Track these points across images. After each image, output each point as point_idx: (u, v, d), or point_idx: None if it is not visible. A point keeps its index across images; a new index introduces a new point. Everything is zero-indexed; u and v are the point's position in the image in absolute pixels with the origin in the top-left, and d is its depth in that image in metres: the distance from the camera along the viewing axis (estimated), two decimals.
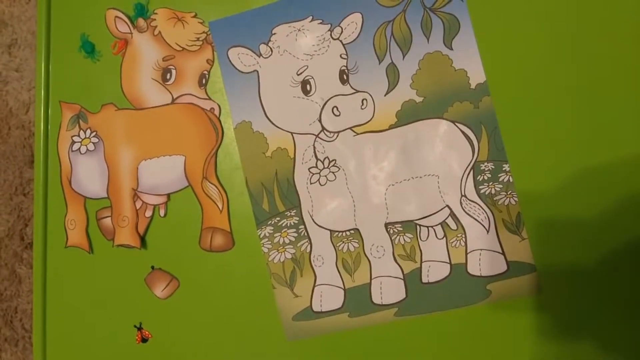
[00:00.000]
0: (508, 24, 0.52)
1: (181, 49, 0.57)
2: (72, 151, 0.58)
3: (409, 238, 0.52)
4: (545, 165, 0.50)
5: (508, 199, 0.50)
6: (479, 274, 0.51)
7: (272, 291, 0.54)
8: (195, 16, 0.57)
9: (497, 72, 0.51)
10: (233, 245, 0.55)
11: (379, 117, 0.52)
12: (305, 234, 0.53)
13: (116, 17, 0.57)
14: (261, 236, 0.54)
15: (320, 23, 0.54)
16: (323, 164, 0.53)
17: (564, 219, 0.50)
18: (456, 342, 0.51)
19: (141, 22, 0.57)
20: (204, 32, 0.56)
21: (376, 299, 0.52)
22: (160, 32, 0.57)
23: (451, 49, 0.52)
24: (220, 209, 0.55)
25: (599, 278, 0.49)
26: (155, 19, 0.57)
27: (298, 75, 0.53)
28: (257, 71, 0.55)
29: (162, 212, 0.56)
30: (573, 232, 0.50)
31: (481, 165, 0.51)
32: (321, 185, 0.53)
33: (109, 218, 0.57)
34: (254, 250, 0.54)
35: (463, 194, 0.51)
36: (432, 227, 0.52)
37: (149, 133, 0.57)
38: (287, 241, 0.54)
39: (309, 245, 0.53)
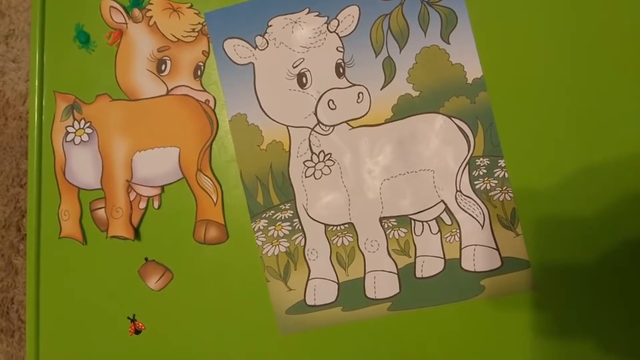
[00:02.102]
0: (505, 18, 0.51)
1: (176, 40, 0.55)
2: (66, 142, 0.57)
3: (404, 233, 0.51)
4: (541, 161, 0.50)
5: (503, 194, 0.50)
6: (473, 269, 0.50)
7: (265, 284, 0.53)
8: (190, 7, 0.56)
9: (494, 67, 0.50)
10: (227, 237, 0.54)
11: (375, 111, 0.52)
12: (300, 227, 0.53)
13: (111, 7, 0.56)
14: (255, 229, 0.53)
15: (317, 15, 0.53)
16: (318, 157, 0.52)
17: (559, 215, 0.49)
18: (449, 337, 0.50)
19: (136, 12, 0.56)
20: (199, 23, 0.55)
21: (370, 293, 0.51)
22: (155, 23, 0.56)
23: (448, 43, 0.51)
24: (215, 201, 0.54)
25: (594, 274, 0.48)
26: (150, 10, 0.56)
27: (294, 67, 0.52)
28: (253, 63, 0.54)
29: (156, 204, 0.55)
30: (568, 228, 0.49)
31: (477, 160, 0.50)
32: (316, 178, 0.52)
33: (103, 209, 0.56)
34: (248, 243, 0.53)
35: (458, 189, 0.50)
36: (426, 222, 0.51)
37: (143, 124, 0.56)
38: (281, 234, 0.53)
39: (303, 239, 0.53)
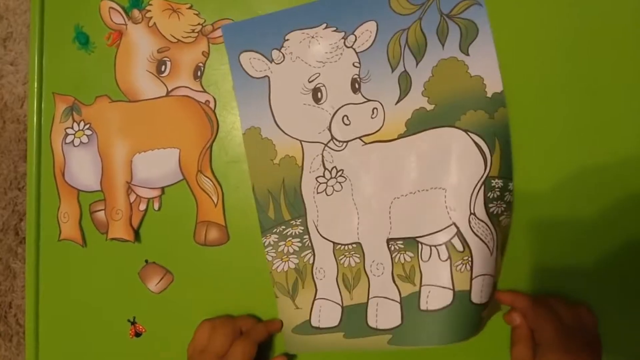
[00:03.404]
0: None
1: (176, 40, 0.54)
2: (66, 143, 0.56)
3: (410, 257, 0.48)
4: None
5: (508, 219, 0.47)
6: (480, 302, 0.46)
7: (268, 286, 0.51)
8: (190, 7, 0.54)
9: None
10: (228, 239, 0.53)
11: (388, 125, 0.49)
12: (310, 244, 0.51)
13: (110, 8, 0.55)
14: (266, 244, 0.51)
15: (334, 31, 0.50)
16: (330, 173, 0.50)
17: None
18: None
19: (136, 13, 0.55)
20: (199, 24, 0.54)
21: (371, 322, 0.49)
22: (155, 24, 0.54)
23: (467, 54, 0.48)
24: (215, 202, 0.53)
25: (594, 278, 0.47)
26: (150, 10, 0.54)
27: (309, 82, 0.50)
28: (268, 77, 0.52)
29: (156, 206, 0.54)
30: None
31: (492, 181, 0.47)
32: (327, 195, 0.50)
33: (103, 211, 0.55)
34: (249, 244, 0.52)
35: (472, 211, 0.46)
36: (435, 246, 0.48)
37: (143, 126, 0.54)
38: (291, 250, 0.51)
39: (312, 257, 0.51)
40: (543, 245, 0.48)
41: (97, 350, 0.55)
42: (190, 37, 0.54)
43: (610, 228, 0.47)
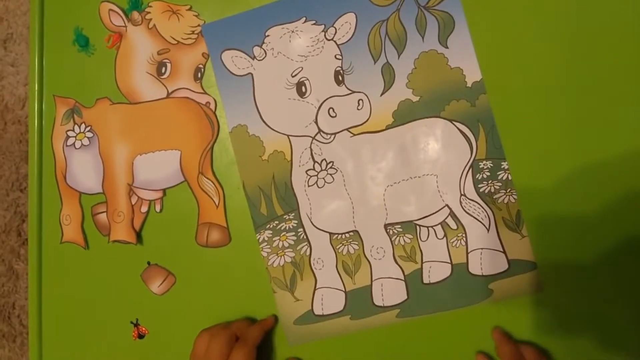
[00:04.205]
0: (503, 21, 0.50)
1: (176, 42, 0.55)
2: (67, 146, 0.57)
3: (409, 239, 0.51)
4: (544, 162, 0.49)
5: (507, 196, 0.49)
6: (481, 273, 0.50)
7: (269, 287, 0.52)
8: (190, 9, 0.55)
9: (493, 70, 0.50)
10: (230, 240, 0.54)
11: (376, 117, 0.51)
12: (305, 237, 0.52)
13: (110, 10, 0.56)
14: (260, 240, 0.53)
15: (314, 24, 0.52)
16: (320, 166, 0.52)
17: (564, 216, 0.49)
18: (460, 342, 0.50)
19: (135, 15, 0.55)
20: (199, 25, 0.55)
21: (377, 301, 0.51)
22: (155, 26, 0.55)
23: (446, 47, 0.51)
24: (217, 204, 0.53)
25: (600, 274, 0.48)
26: (149, 12, 0.56)
27: (293, 77, 0.52)
28: (252, 74, 0.53)
29: (158, 208, 0.55)
30: (573, 228, 0.49)
31: (480, 163, 0.50)
32: (319, 187, 0.52)
33: (105, 213, 0.56)
34: (251, 245, 0.53)
35: (462, 192, 0.50)
36: (432, 227, 0.51)
37: (144, 128, 0.55)
38: (286, 245, 0.53)
39: (309, 249, 0.52)
40: (541, 242, 0.49)
41: (100, 351, 0.57)
42: (190, 38, 0.54)
43: (608, 222, 0.48)
